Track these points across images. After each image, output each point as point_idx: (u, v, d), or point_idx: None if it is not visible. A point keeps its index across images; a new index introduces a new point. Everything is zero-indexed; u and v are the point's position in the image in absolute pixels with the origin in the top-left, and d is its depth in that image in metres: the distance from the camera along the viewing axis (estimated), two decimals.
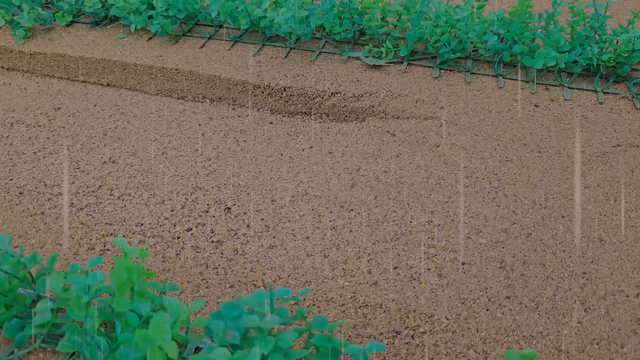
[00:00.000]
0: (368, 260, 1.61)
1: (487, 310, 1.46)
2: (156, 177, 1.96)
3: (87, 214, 1.81)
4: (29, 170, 2.02)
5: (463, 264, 1.59)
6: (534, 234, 1.67)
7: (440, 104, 2.21)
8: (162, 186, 1.92)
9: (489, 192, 1.83)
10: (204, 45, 2.61)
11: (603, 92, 2.24)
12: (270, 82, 2.33)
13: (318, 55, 2.51)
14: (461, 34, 2.38)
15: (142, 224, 1.76)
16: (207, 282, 1.56)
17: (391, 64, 2.44)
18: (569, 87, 2.27)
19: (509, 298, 1.49)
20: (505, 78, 2.34)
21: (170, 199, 1.86)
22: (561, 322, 1.42)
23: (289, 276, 1.58)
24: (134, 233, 1.73)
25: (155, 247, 1.68)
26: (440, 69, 2.40)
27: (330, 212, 1.78)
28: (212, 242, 1.69)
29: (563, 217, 1.73)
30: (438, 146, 2.03)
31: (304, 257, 1.63)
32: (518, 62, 2.43)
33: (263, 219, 1.77)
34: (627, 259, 1.58)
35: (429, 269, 1.58)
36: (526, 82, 2.32)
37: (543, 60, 2.23)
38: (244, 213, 1.79)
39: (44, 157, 2.08)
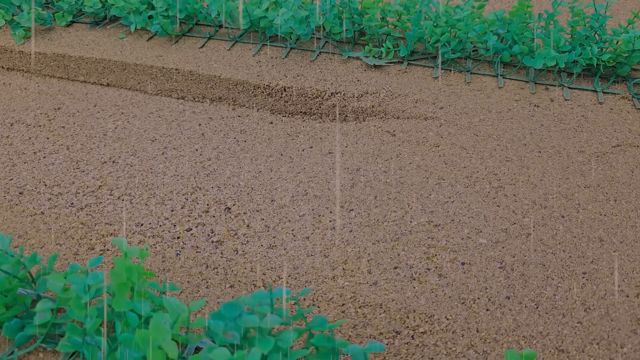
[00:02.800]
0: (368, 260, 1.61)
1: (487, 310, 1.46)
2: (156, 177, 1.96)
3: (87, 214, 1.81)
4: (29, 170, 2.02)
5: (463, 264, 1.59)
6: (534, 234, 1.67)
7: (440, 104, 2.21)
8: (162, 186, 1.92)
9: (489, 192, 1.83)
10: (204, 45, 2.61)
11: (603, 92, 2.24)
12: (270, 82, 2.33)
13: (318, 55, 2.51)
14: (461, 34, 2.38)
15: (142, 224, 1.76)
16: (207, 282, 1.56)
17: (391, 64, 2.44)
18: (569, 87, 2.27)
19: (509, 298, 1.49)
20: (505, 78, 2.34)
21: (170, 199, 1.86)
22: (561, 322, 1.42)
23: (289, 276, 1.58)
24: (133, 233, 1.73)
25: (155, 247, 1.68)
26: (441, 69, 2.40)
27: (330, 212, 1.78)
28: (212, 242, 1.69)
29: (563, 217, 1.73)
30: (438, 146, 2.03)
31: (304, 257, 1.63)
32: (518, 62, 2.43)
33: (263, 219, 1.77)
34: (627, 259, 1.59)
35: (429, 269, 1.58)
36: (526, 82, 2.32)
37: (543, 60, 2.23)
38: (244, 213, 1.79)
39: (44, 157, 2.08)
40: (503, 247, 1.63)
